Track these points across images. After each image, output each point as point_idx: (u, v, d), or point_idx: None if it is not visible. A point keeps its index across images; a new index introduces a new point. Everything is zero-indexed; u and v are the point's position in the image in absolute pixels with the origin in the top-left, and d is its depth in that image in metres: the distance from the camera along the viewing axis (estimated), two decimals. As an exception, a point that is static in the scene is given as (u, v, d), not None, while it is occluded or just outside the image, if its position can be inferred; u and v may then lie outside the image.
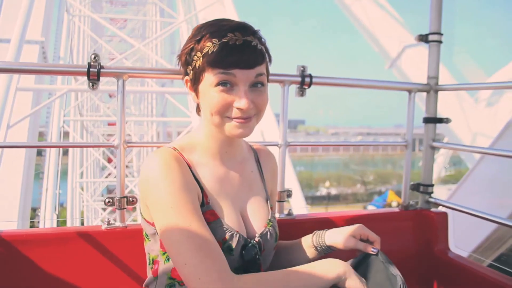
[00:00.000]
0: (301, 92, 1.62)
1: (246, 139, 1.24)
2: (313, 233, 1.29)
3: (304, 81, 1.58)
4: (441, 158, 14.67)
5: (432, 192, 1.85)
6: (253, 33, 1.06)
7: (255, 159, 1.30)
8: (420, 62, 7.53)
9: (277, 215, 1.58)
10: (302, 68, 1.59)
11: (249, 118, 1.08)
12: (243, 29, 1.05)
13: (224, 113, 1.07)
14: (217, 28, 1.04)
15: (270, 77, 1.68)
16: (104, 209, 11.63)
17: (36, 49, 6.19)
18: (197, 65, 1.06)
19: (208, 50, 1.03)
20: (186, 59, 1.10)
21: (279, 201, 1.58)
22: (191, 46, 1.08)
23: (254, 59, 1.05)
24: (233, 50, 1.02)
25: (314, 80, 1.59)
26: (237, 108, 1.05)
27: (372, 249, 1.16)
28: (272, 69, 1.21)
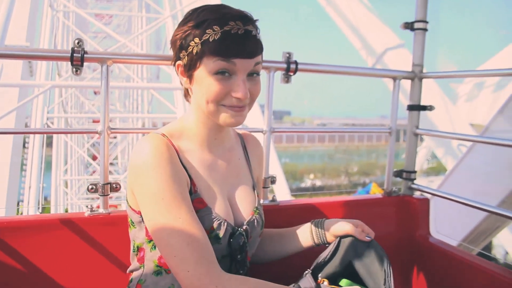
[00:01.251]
0: (287, 78, 1.62)
1: None
2: (311, 221, 1.31)
3: (290, 67, 1.58)
4: (424, 151, 15.01)
5: (415, 179, 1.87)
6: (252, 22, 1.05)
7: (242, 146, 1.30)
8: (403, 63, 7.60)
9: (261, 201, 1.58)
10: (287, 55, 1.59)
11: (244, 106, 1.08)
12: (244, 18, 1.04)
13: (220, 101, 1.06)
14: (218, 15, 1.02)
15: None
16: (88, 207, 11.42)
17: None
18: (194, 51, 1.04)
19: (209, 37, 1.01)
20: (181, 44, 1.07)
21: (263, 187, 1.58)
22: (188, 31, 1.05)
23: (254, 49, 1.05)
24: (235, 39, 1.01)
25: (299, 66, 1.59)
26: (235, 97, 1.05)
27: (366, 237, 1.20)
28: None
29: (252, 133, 1.39)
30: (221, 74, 1.04)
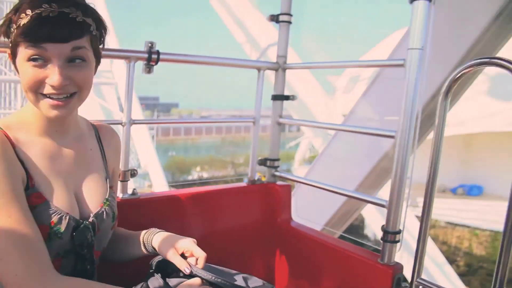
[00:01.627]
0: (148, 69, 1.58)
1: (87, 116, 1.21)
2: (147, 230, 1.26)
3: (151, 57, 1.54)
4: (306, 141, 15.99)
5: (278, 166, 1.95)
6: (75, 4, 0.98)
7: (95, 137, 1.24)
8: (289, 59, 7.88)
9: (120, 195, 1.53)
10: (150, 44, 1.55)
11: (68, 99, 1.01)
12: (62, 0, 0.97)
13: (37, 89, 0.99)
14: None
15: (115, 53, 1.62)
16: None
17: None
18: (13, 39, 0.98)
19: (21, 23, 0.95)
20: (6, 31, 1.00)
21: (122, 181, 1.53)
22: (10, 17, 0.98)
23: (68, 32, 0.97)
24: (44, 22, 0.95)
25: (161, 56, 1.56)
26: (50, 85, 0.98)
27: (185, 269, 1.12)
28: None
29: (111, 125, 1.34)
30: (33, 60, 0.97)
